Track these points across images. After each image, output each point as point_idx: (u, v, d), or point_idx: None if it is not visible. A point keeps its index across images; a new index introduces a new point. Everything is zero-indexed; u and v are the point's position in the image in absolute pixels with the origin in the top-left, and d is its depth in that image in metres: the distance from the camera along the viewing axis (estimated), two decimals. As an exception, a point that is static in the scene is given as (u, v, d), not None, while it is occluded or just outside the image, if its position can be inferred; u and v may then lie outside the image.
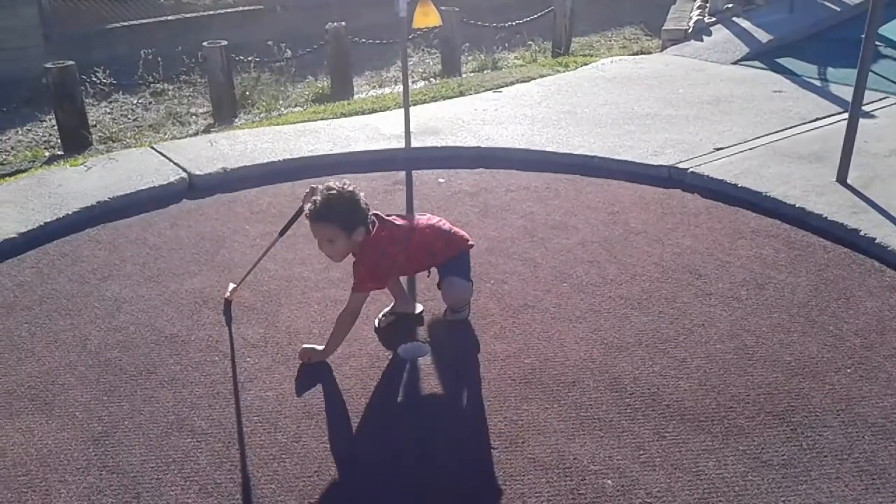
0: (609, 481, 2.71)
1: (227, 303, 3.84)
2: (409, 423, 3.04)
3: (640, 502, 2.62)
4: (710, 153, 5.48)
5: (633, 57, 9.07)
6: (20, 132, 8.32)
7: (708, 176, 5.11)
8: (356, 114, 6.93)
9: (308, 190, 3.53)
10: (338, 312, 3.73)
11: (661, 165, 5.33)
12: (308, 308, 3.81)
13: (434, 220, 3.62)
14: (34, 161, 7.19)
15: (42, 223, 4.61)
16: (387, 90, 9.32)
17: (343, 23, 9.45)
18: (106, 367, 3.38)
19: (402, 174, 5.47)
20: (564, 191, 5.10)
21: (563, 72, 8.20)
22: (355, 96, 9.03)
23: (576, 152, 5.63)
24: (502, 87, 7.55)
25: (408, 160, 5.68)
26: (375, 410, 3.09)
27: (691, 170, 5.20)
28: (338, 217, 3.21)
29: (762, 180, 4.97)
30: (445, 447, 2.90)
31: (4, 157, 7.52)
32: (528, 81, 7.72)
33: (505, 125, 6.27)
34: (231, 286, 3.89)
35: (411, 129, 5.92)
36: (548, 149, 5.73)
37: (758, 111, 6.42)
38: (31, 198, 4.98)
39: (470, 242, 3.67)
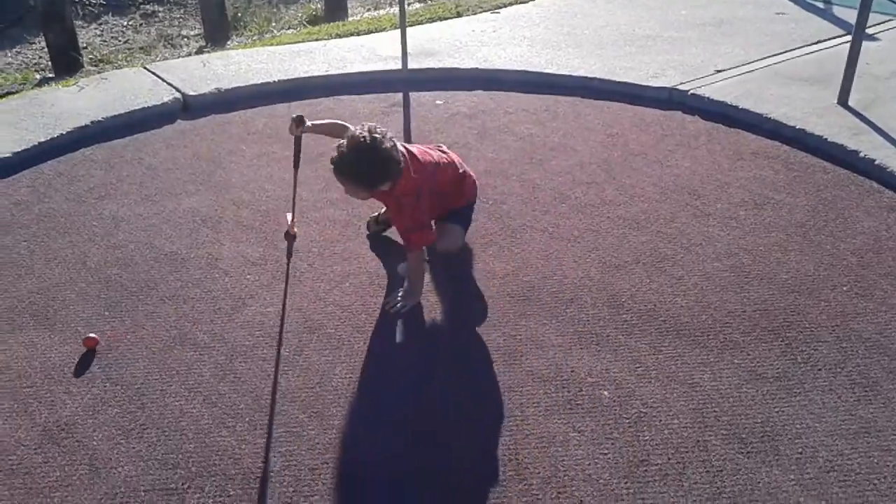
0: (605, 392, 2.76)
1: (291, 238, 3.49)
2: (409, 337, 3.07)
3: (636, 412, 2.68)
4: (711, 75, 5.41)
5: (634, -22, 8.84)
6: (9, 54, 8.15)
7: (708, 98, 5.05)
8: (351, 35, 6.78)
9: (294, 116, 3.34)
10: (336, 232, 3.75)
11: (661, 87, 5.26)
12: (307, 227, 3.81)
13: (450, 157, 3.44)
14: (25, 83, 7.06)
15: (36, 142, 4.55)
16: (382, 12, 9.10)
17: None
18: (106, 283, 3.40)
19: (400, 96, 5.39)
20: (563, 113, 5.05)
21: (563, -7, 8.00)
22: (350, 18, 8.83)
23: (575, 74, 5.54)
24: (500, 8, 7.38)
25: (405, 82, 5.59)
26: (376, 326, 3.12)
27: (692, 91, 5.14)
28: (359, 177, 2.99)
29: (763, 102, 4.92)
30: (446, 360, 2.94)
31: (-6, 79, 7.38)
32: (527, 2, 7.53)
33: (503, 46, 6.15)
34: (289, 216, 3.64)
35: (408, 51, 5.81)
36: (547, 70, 5.63)
37: (760, 33, 6.30)
38: (24, 117, 4.91)
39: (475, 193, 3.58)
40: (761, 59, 5.70)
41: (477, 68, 5.74)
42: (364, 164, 2.93)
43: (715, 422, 2.63)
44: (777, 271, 3.40)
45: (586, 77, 5.49)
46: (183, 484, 2.43)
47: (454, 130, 4.84)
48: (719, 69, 5.51)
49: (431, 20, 7.11)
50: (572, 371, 2.86)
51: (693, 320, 3.11)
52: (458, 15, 7.27)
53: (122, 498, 2.39)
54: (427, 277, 3.41)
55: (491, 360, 2.92)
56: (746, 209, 3.87)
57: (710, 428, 2.61)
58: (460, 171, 3.47)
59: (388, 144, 2.96)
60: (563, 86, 5.44)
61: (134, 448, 2.56)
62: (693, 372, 2.85)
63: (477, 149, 4.58)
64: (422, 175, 3.13)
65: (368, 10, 9.56)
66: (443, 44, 6.26)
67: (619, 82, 5.39)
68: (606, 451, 2.52)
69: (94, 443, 2.59)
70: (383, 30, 6.89)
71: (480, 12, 7.30)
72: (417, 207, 3.10)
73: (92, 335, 3.05)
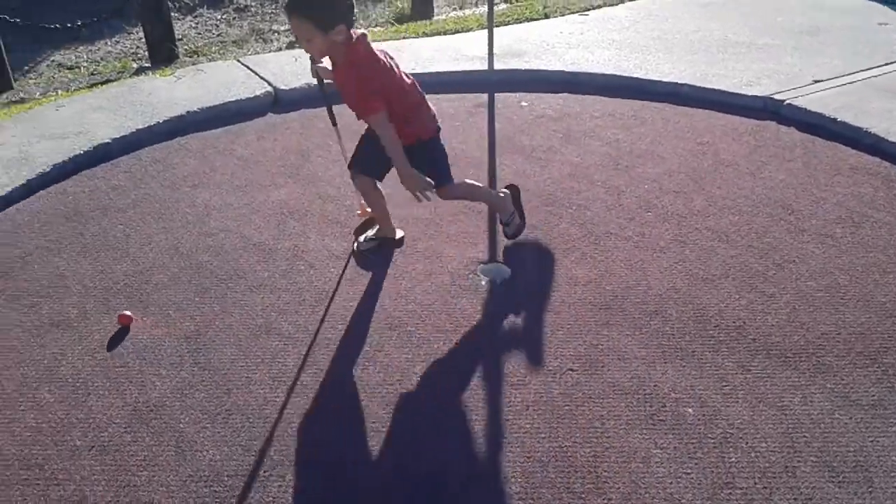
0: (690, 410, 2.69)
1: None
2: (488, 340, 3.06)
3: (722, 432, 2.60)
4: (809, 85, 5.22)
5: (728, -17, 8.62)
6: (109, 43, 8.47)
7: (805, 109, 4.87)
8: (438, 34, 6.81)
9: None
10: (419, 230, 3.77)
11: (755, 96, 5.10)
12: (390, 224, 3.84)
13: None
14: (123, 71, 7.32)
15: (134, 129, 4.72)
16: (468, 12, 9.11)
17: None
18: (197, 269, 3.50)
19: (485, 96, 5.39)
20: (652, 119, 4.96)
21: (654, -3, 7.86)
22: (435, 17, 8.87)
23: (665, 79, 5.44)
24: (589, 9, 7.30)
25: (490, 82, 5.58)
26: (456, 326, 3.12)
27: (787, 101, 4.97)
28: (312, 10, 2.84)
29: (863, 116, 4.72)
30: (524, 367, 2.92)
31: (95, 66, 7.69)
32: (616, 5, 7.44)
33: (591, 49, 6.08)
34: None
35: (494, 51, 5.81)
36: (635, 75, 5.54)
37: (860, 43, 6.05)
38: (123, 105, 5.10)
39: (436, 126, 3.29)
40: (862, 71, 5.48)
41: (563, 71, 5.69)
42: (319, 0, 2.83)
43: (805, 447, 2.54)
44: (874, 293, 3.26)
45: (676, 83, 5.38)
46: (265, 472, 2.48)
47: (539, 133, 4.80)
48: (817, 79, 5.32)
49: (518, 21, 7.09)
50: (655, 385, 2.80)
51: (784, 340, 3.01)
52: (546, 16, 7.22)
53: (206, 481, 2.45)
54: (507, 280, 3.40)
55: (570, 369, 2.89)
56: (843, 227, 3.72)
57: (800, 454, 2.51)
58: (423, 97, 3.27)
59: None
60: (652, 91, 5.35)
61: (219, 433, 2.63)
62: (783, 394, 2.76)
63: (561, 152, 4.53)
64: (379, 59, 3.02)
65: (454, 9, 9.58)
66: (529, 45, 6.23)
67: (710, 89, 5.26)
68: (689, 471, 2.46)
69: (181, 425, 2.66)
70: (470, 30, 6.90)
71: (568, 14, 7.24)
72: (370, 75, 2.97)
73: (126, 312, 3.16)
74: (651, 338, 3.03)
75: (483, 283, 3.40)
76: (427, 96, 3.33)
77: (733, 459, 2.50)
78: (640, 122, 4.93)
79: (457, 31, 6.86)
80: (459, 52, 6.13)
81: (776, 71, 5.48)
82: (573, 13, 7.23)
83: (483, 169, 4.39)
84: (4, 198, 4.05)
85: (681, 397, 2.75)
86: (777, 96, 5.05)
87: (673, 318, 3.14)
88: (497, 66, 5.75)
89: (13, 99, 6.46)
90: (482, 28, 6.69)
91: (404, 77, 3.20)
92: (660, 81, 5.43)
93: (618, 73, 5.59)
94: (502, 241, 3.69)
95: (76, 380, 2.88)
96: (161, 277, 3.45)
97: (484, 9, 8.69)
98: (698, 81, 5.37)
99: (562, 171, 4.33)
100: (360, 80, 2.97)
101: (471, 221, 3.85)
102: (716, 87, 5.27)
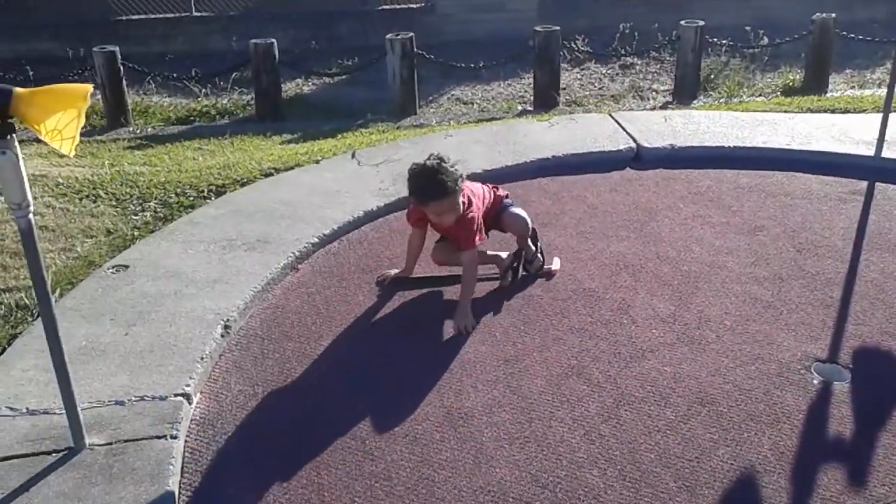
0: None
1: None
2: (808, 445, 2.82)
3: None
4: None
5: None
6: (502, 85, 9.38)
7: None
8: (824, 111, 6.39)
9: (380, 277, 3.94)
10: (755, 311, 3.61)
11: None
12: (724, 298, 3.72)
13: (486, 188, 3.86)
14: (508, 112, 8.07)
15: (504, 165, 5.19)
16: (867, 92, 8.38)
17: (833, 15, 8.69)
18: (528, 300, 3.74)
19: (864, 184, 4.93)
20: None
21: None
22: (828, 94, 8.31)
23: None
24: None
25: (874, 170, 5.10)
26: (774, 420, 2.93)
27: None
28: (448, 186, 3.41)
29: None
30: (842, 484, 2.64)
31: (486, 104, 8.59)
32: None
33: None
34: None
35: (885, 137, 5.28)
36: None
37: None
38: (500, 142, 5.63)
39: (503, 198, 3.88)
40: None
41: (971, 171, 4.98)
42: (445, 176, 3.42)
43: None
44: None
45: None
46: (547, 505, 2.58)
47: (923, 235, 4.27)
48: None
49: (926, 108, 6.34)
50: None
51: None
52: (962, 107, 6.35)
53: (493, 496, 2.62)
54: (845, 386, 3.09)
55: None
56: None
57: None
58: (491, 196, 3.86)
59: (445, 160, 3.48)
60: None
61: (514, 456, 2.79)
62: None
63: (947, 261, 3.98)
64: (469, 197, 3.64)
65: (851, 87, 8.89)
66: (933, 136, 5.54)
67: None
68: None
69: (484, 438, 2.88)
70: (862, 111, 6.37)
71: None
72: (473, 215, 3.60)
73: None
74: None
75: (815, 381, 3.14)
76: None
77: None
78: None
79: (847, 111, 6.38)
80: (845, 132, 5.69)
81: None
82: None
83: (843, 261, 4.03)
84: (391, 205, 4.74)
85: None
86: None
87: None
88: (885, 153, 5.22)
89: (414, 123, 7.50)
90: (877, 111, 6.12)
91: (485, 191, 3.83)
92: None
93: None
94: (849, 343, 3.36)
95: (407, 377, 3.27)
96: (495, 305, 3.76)
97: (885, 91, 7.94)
98: None
99: (942, 281, 3.80)
100: (470, 222, 3.58)
101: (816, 313, 3.57)
102: None
